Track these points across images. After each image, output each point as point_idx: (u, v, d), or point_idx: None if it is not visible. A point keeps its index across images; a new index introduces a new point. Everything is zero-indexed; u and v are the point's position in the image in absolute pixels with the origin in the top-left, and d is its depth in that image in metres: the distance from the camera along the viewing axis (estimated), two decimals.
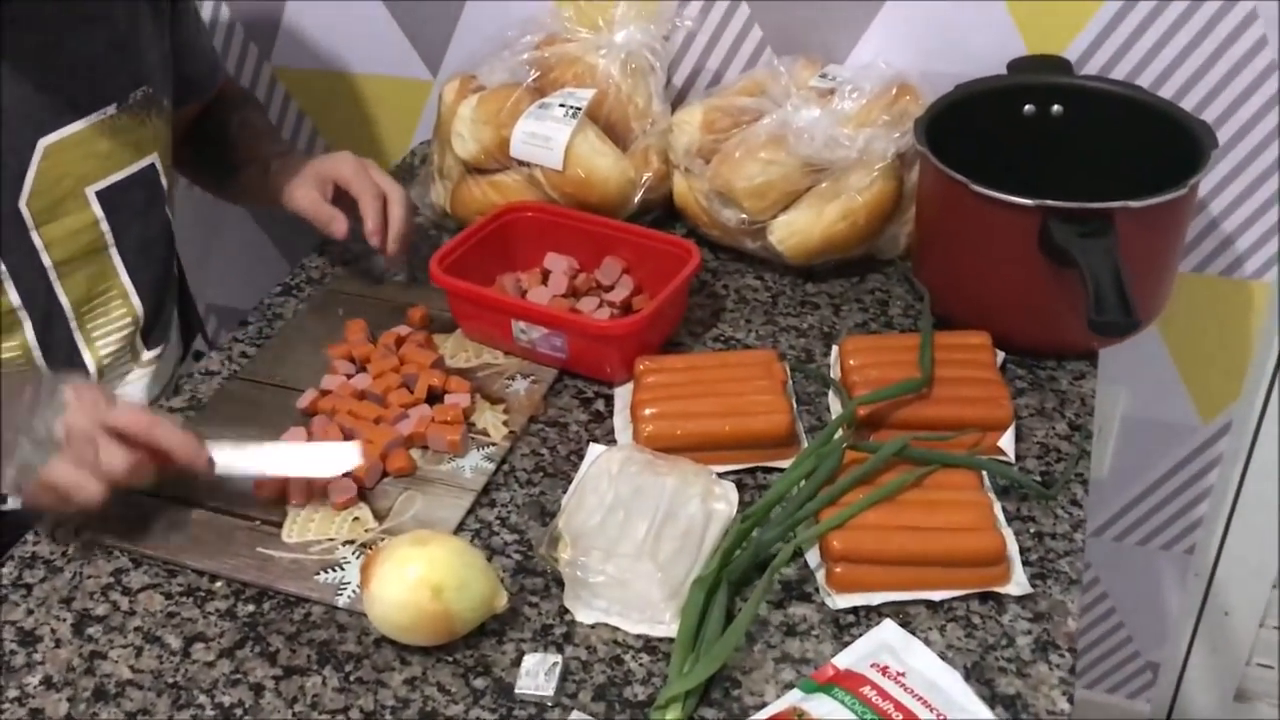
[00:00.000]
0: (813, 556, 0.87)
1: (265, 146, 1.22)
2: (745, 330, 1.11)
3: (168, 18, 1.14)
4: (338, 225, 1.11)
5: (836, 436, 0.92)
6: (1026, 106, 1.12)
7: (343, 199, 1.13)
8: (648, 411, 0.96)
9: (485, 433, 1.00)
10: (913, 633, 0.81)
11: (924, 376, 0.96)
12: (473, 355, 1.09)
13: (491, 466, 0.97)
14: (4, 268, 1.02)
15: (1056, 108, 1.12)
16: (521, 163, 1.20)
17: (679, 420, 0.95)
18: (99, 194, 1.07)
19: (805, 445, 0.96)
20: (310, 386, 1.04)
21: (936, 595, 0.83)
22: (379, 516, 0.92)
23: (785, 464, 0.94)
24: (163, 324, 1.18)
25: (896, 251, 1.18)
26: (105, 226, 1.08)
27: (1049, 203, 0.95)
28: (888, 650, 0.79)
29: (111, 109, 1.06)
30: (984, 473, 0.91)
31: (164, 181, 1.14)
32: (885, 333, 1.10)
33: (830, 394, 1.02)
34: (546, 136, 1.16)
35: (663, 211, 1.25)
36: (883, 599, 0.83)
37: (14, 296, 1.03)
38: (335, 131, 1.57)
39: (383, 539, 0.90)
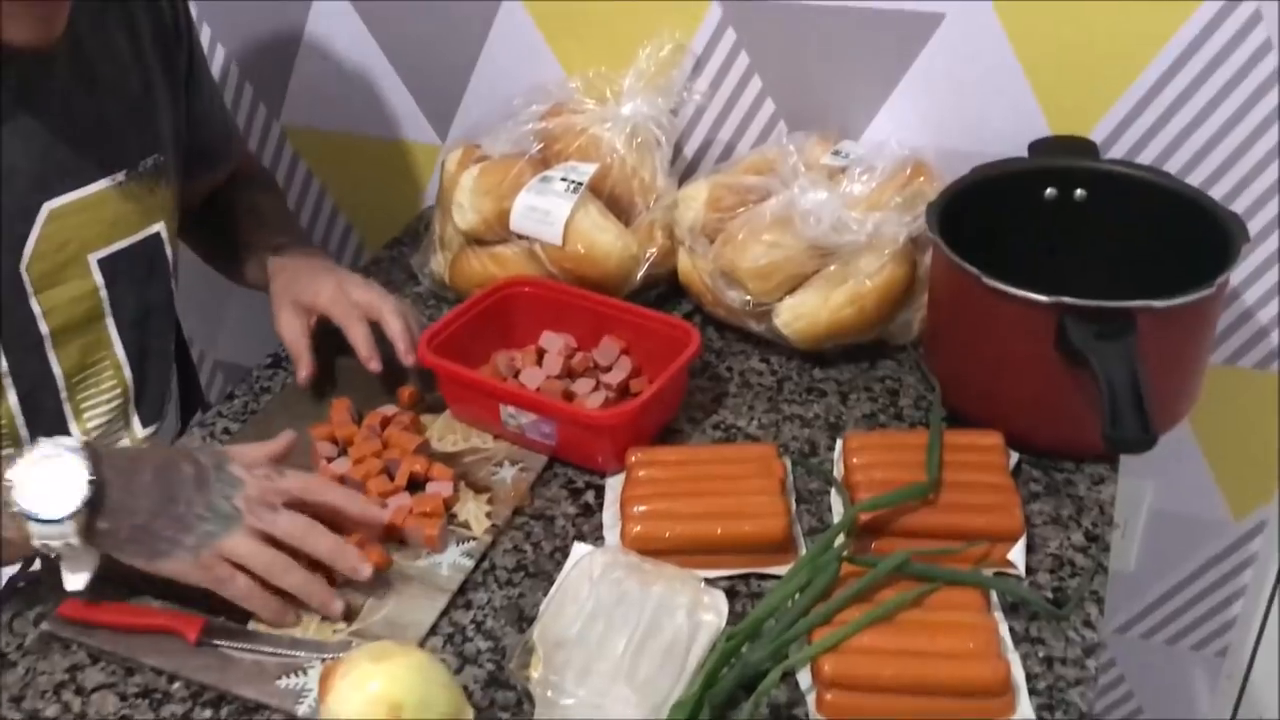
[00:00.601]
0: (804, 678, 0.81)
1: (266, 237, 1.17)
2: (747, 418, 1.06)
3: (183, 87, 1.11)
4: (301, 373, 1.07)
5: (836, 544, 0.87)
6: (1048, 190, 1.07)
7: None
8: (637, 509, 0.91)
9: (466, 525, 0.95)
10: None
11: (930, 481, 0.90)
12: (460, 439, 1.05)
13: (470, 564, 0.92)
14: (4, 330, 0.98)
15: (1080, 192, 1.07)
16: (522, 236, 1.16)
17: (669, 521, 0.90)
18: (101, 261, 1.04)
19: (803, 550, 0.91)
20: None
21: None
22: (348, 616, 0.88)
23: (781, 570, 0.89)
24: (157, 398, 1.14)
25: (909, 337, 1.13)
26: (104, 295, 1.05)
27: (1065, 300, 0.89)
28: None
29: (121, 175, 1.03)
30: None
31: (169, 252, 1.10)
32: (894, 426, 1.05)
33: (833, 494, 0.97)
34: (547, 210, 1.12)
35: (668, 287, 1.21)
36: None
37: (2, 363, 1.00)
38: (343, 193, 1.54)
39: (351, 642, 0.85)
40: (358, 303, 1.07)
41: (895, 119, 1.18)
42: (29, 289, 0.99)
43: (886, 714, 0.77)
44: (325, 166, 1.53)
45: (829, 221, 1.03)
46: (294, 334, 1.08)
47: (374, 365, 1.05)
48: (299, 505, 0.88)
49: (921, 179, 1.08)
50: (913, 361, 1.12)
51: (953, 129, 1.16)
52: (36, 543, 0.80)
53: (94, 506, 0.81)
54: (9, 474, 0.80)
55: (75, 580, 0.83)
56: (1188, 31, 1.05)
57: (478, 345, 1.09)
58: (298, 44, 1.42)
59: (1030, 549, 0.90)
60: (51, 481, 0.80)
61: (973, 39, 1.11)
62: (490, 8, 1.29)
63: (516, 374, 1.07)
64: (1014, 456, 0.97)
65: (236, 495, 0.86)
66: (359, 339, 1.05)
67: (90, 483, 0.80)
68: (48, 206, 0.98)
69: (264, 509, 0.86)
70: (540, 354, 1.09)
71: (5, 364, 1.00)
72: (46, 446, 0.82)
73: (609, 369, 1.07)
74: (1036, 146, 1.11)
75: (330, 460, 1.00)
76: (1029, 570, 0.89)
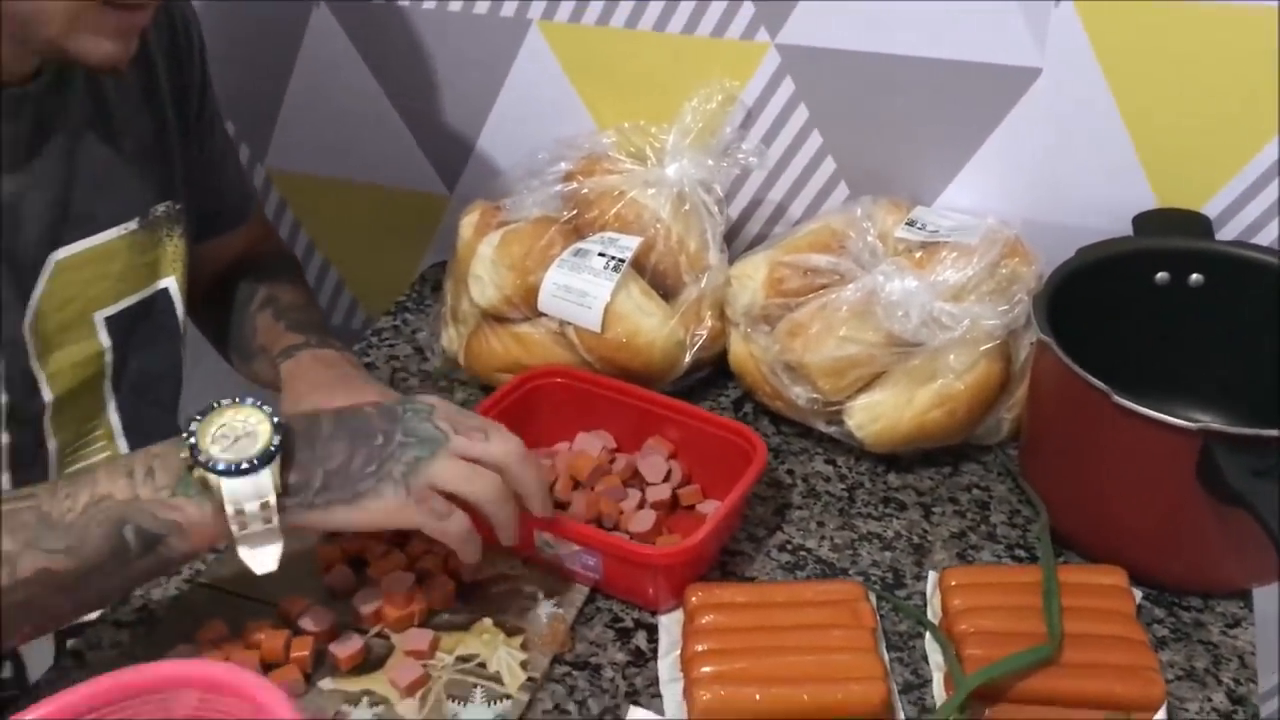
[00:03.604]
0: None
1: (279, 337, 1.03)
2: (817, 538, 0.92)
3: (195, 134, 1.00)
4: None
5: None
6: (1159, 274, 0.94)
7: None
8: (704, 670, 0.76)
9: (498, 678, 0.81)
10: None
11: (1053, 640, 0.76)
12: (486, 564, 0.90)
13: None
14: (4, 402, 0.86)
15: (1196, 277, 0.93)
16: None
17: (745, 685, 0.75)
18: (108, 320, 0.92)
19: (900, 714, 0.77)
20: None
21: None
22: None
23: None
24: None
25: (997, 438, 0.99)
26: (109, 359, 0.93)
27: (1214, 427, 0.76)
28: None
29: (133, 224, 0.92)
30: None
31: (179, 312, 0.98)
32: (987, 547, 0.91)
33: (928, 638, 0.83)
34: (583, 292, 0.98)
35: (714, 369, 1.06)
36: None
37: (3, 437, 0.88)
38: (336, 246, 1.39)
39: None
40: None
41: (974, 185, 1.04)
42: (31, 352, 0.87)
43: None
44: (317, 217, 1.37)
45: (918, 316, 0.89)
46: None
47: None
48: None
49: (1016, 259, 0.95)
50: (1000, 466, 0.98)
51: (1042, 198, 1.02)
52: (230, 509, 0.70)
53: (284, 455, 0.71)
54: (191, 427, 0.71)
55: (264, 561, 0.72)
56: None
57: None
58: (287, 77, 1.26)
59: (1169, 717, 0.77)
60: (236, 434, 0.71)
61: (1072, 98, 0.97)
62: (510, 44, 1.14)
63: (550, 487, 0.92)
64: (1137, 595, 0.84)
65: (435, 417, 0.76)
66: None
67: (276, 427, 0.71)
68: (55, 258, 0.87)
69: (470, 429, 0.76)
70: (580, 467, 0.94)
71: (5, 439, 0.88)
72: (219, 402, 0.73)
73: (657, 482, 0.93)
74: (1143, 221, 0.97)
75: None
76: None
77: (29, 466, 0.91)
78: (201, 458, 0.70)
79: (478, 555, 0.78)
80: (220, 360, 1.11)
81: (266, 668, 0.80)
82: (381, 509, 0.73)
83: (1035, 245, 0.97)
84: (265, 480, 0.70)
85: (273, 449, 0.70)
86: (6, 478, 0.90)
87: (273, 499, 0.70)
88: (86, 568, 0.70)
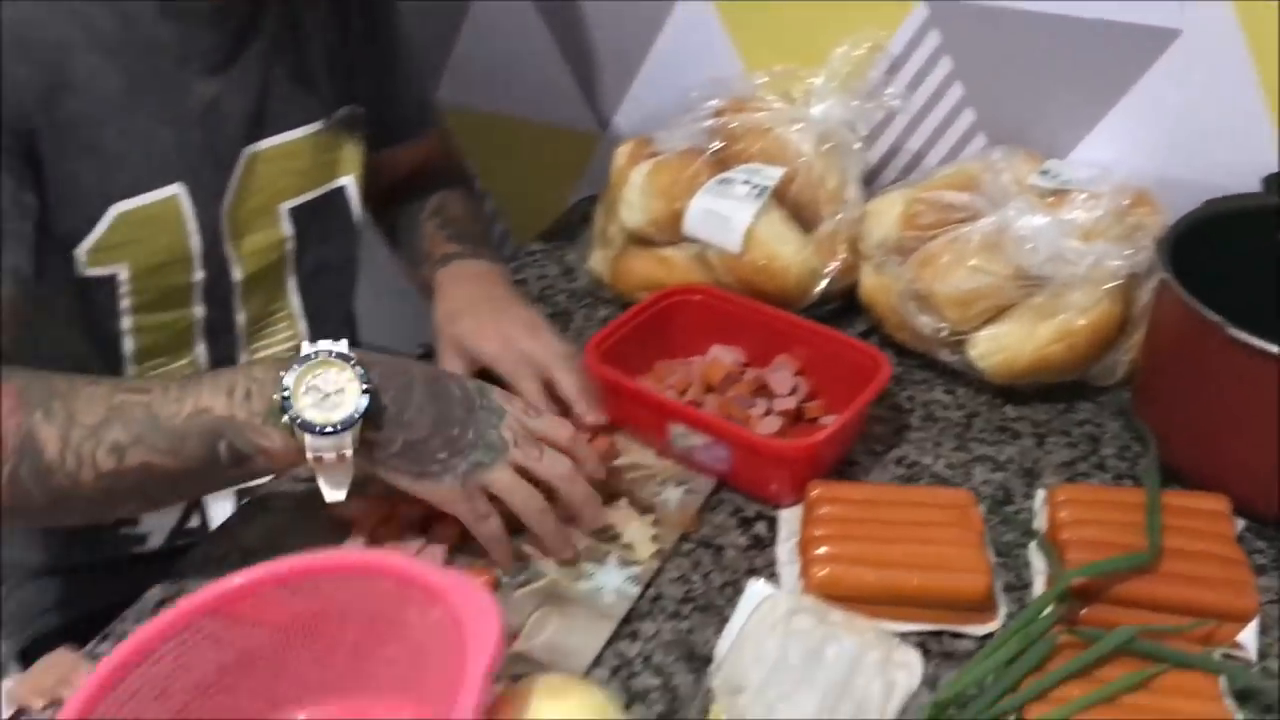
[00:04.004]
0: None
1: (441, 246, 1.11)
2: (933, 455, 0.98)
3: (379, 43, 1.08)
4: None
5: (1045, 614, 0.78)
6: None
7: None
8: (821, 551, 0.83)
9: (631, 547, 0.89)
10: None
11: (1152, 549, 0.81)
12: (622, 455, 0.98)
13: (636, 591, 0.85)
14: (203, 279, 0.97)
15: None
16: (694, 239, 1.09)
17: (858, 566, 0.82)
18: (292, 210, 1.02)
19: (1001, 609, 0.83)
20: None
21: None
22: (510, 636, 0.81)
23: (976, 629, 0.81)
24: None
25: (1112, 380, 1.03)
26: (291, 245, 1.03)
27: None
28: None
29: (318, 124, 1.01)
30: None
31: (354, 208, 1.07)
32: (1096, 476, 0.96)
33: (1032, 547, 0.88)
34: (726, 216, 1.05)
35: (843, 304, 1.13)
36: None
37: (199, 310, 0.99)
38: (494, 177, 1.49)
39: (514, 667, 0.79)
40: (526, 356, 0.98)
41: (1108, 141, 1.09)
42: (226, 236, 0.98)
43: None
44: (478, 149, 1.46)
45: (1046, 250, 0.94)
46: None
47: None
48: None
49: (1144, 209, 0.99)
50: (1115, 407, 1.03)
51: (1174, 157, 1.06)
52: (310, 455, 0.78)
53: (369, 417, 0.78)
54: (285, 380, 0.77)
55: (334, 493, 0.80)
56: None
57: (640, 353, 1.03)
58: (462, 17, 1.36)
59: (1261, 631, 0.81)
60: (327, 391, 0.77)
61: (1211, 59, 1.01)
62: None
63: (684, 390, 1.00)
64: (1239, 524, 0.88)
65: (502, 425, 0.84)
66: (532, 397, 0.96)
67: (365, 392, 0.78)
68: (249, 152, 0.97)
69: (528, 444, 0.84)
70: (713, 374, 1.01)
71: (202, 311, 0.98)
72: (316, 353, 0.78)
73: (784, 394, 1.00)
74: (1273, 182, 1.00)
75: None
76: (1260, 655, 0.80)
77: (221, 336, 1.02)
78: (291, 413, 0.76)
79: (508, 559, 0.85)
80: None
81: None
82: (436, 492, 0.82)
83: (1163, 201, 1.01)
84: (346, 439, 0.77)
85: (356, 416, 0.77)
86: (202, 347, 1.02)
87: (350, 453, 0.78)
88: (183, 469, 0.78)
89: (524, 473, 0.84)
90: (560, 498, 0.86)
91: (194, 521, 1.10)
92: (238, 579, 0.72)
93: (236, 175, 0.97)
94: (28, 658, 1.06)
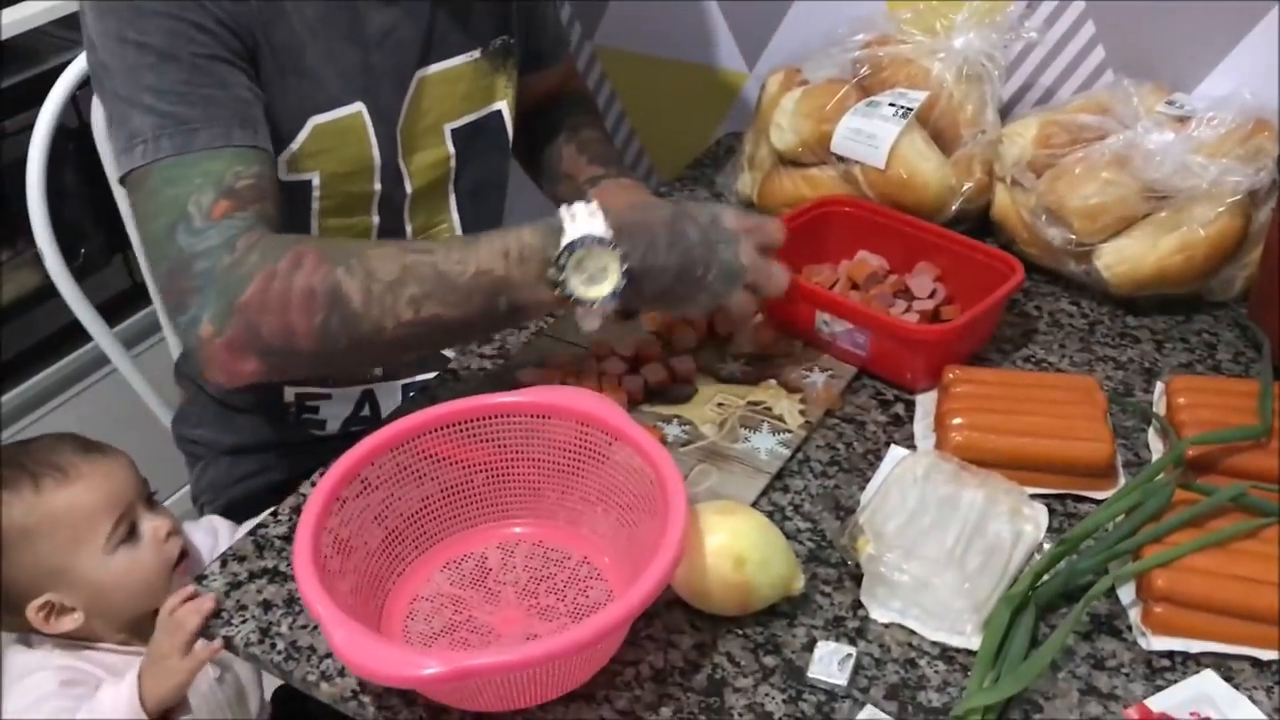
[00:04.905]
0: (1126, 593, 0.82)
1: (585, 168, 1.21)
2: (1059, 355, 1.07)
3: None
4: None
5: (1160, 476, 0.87)
6: None
7: None
8: (956, 421, 0.93)
9: (781, 419, 0.99)
10: (1235, 689, 0.75)
11: (1264, 424, 0.89)
12: (774, 342, 1.08)
13: (787, 452, 0.96)
14: (380, 189, 1.08)
15: None
16: (839, 159, 1.19)
17: (990, 434, 0.91)
18: (454, 131, 1.12)
19: (1122, 480, 0.92)
20: (612, 350, 1.06)
21: (1266, 654, 0.77)
22: None
23: (1099, 494, 0.90)
24: None
25: (1229, 295, 1.11)
26: (453, 164, 1.13)
27: None
28: (1208, 701, 0.74)
29: (477, 52, 1.10)
30: None
31: (508, 130, 1.18)
32: (1215, 376, 1.04)
33: (1150, 432, 0.97)
34: (872, 134, 1.15)
35: (975, 224, 1.21)
36: (1203, 648, 0.78)
37: (375, 218, 1.10)
38: (643, 114, 1.60)
39: None
40: None
41: (1233, 76, 1.16)
42: (400, 151, 1.08)
43: (1214, 635, 0.78)
44: (630, 88, 1.59)
45: (1172, 165, 1.02)
46: None
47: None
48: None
49: (1264, 135, 1.06)
50: (1230, 319, 1.10)
51: None
52: (578, 309, 0.91)
53: (634, 283, 0.91)
54: (562, 260, 0.88)
55: (591, 323, 0.92)
56: None
57: (791, 258, 1.12)
58: None
59: None
60: (591, 271, 0.89)
61: None
62: None
63: (831, 286, 1.10)
64: None
65: (739, 251, 0.95)
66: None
67: (625, 273, 0.89)
68: (420, 75, 1.07)
69: (759, 266, 0.96)
70: (858, 273, 1.11)
71: (377, 220, 1.09)
72: (583, 239, 0.88)
73: (923, 296, 1.09)
74: None
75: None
76: None
77: None
78: (563, 290, 0.89)
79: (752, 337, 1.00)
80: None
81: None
82: (689, 315, 1.00)
83: None
84: (609, 305, 0.90)
85: (615, 293, 0.89)
86: None
87: (610, 307, 0.90)
88: (467, 320, 0.90)
89: (753, 289, 0.97)
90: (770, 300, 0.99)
91: (365, 410, 1.22)
92: (420, 415, 0.85)
93: (409, 96, 1.07)
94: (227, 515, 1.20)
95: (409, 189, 1.11)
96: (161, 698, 0.88)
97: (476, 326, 0.92)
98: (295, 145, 1.01)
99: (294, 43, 0.98)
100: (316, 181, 1.04)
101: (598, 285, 0.89)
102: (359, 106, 1.03)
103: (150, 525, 0.99)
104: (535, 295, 0.90)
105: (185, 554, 1.02)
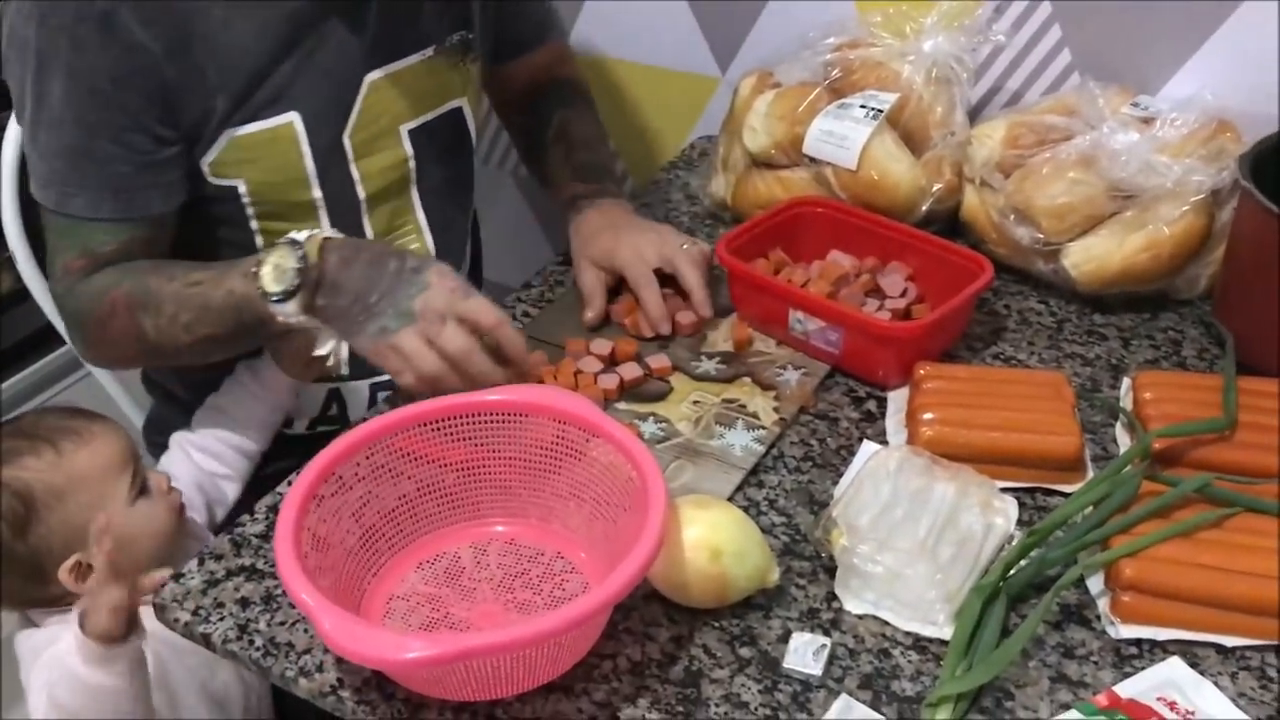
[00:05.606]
0: (1095, 583, 0.84)
1: (569, 181, 1.21)
2: (1027, 352, 1.08)
3: None
4: (589, 314, 1.12)
5: (1127, 469, 0.89)
6: None
7: None
8: (928, 416, 0.94)
9: (756, 416, 1.01)
10: (1201, 675, 0.77)
11: (1228, 418, 0.91)
12: (749, 341, 1.10)
13: (761, 449, 0.97)
14: (323, 196, 1.08)
15: None
16: (811, 160, 1.20)
17: (961, 428, 0.93)
18: (411, 132, 1.12)
19: (1090, 473, 0.93)
20: (588, 348, 1.07)
21: (1230, 640, 0.79)
22: None
23: (1068, 488, 0.92)
24: (453, 267, 1.22)
25: (1194, 292, 1.13)
26: (412, 164, 1.13)
27: None
28: (1175, 687, 0.76)
29: (430, 50, 1.10)
30: None
31: (470, 127, 1.18)
32: (1181, 371, 1.06)
33: (1118, 426, 0.98)
34: (844, 135, 1.16)
35: (945, 225, 1.23)
36: (1170, 635, 0.79)
37: (326, 224, 1.10)
38: (617, 118, 1.61)
39: None
40: (653, 262, 1.10)
41: (1196, 78, 1.18)
42: (350, 156, 1.08)
43: (1181, 623, 0.79)
44: (603, 93, 1.59)
45: (1137, 165, 1.04)
46: (591, 282, 1.13)
47: (664, 328, 1.09)
48: (470, 327, 0.93)
49: (1226, 135, 1.08)
50: (1195, 317, 1.12)
51: (1259, 92, 1.15)
52: (279, 318, 0.95)
53: (313, 286, 0.93)
54: (262, 256, 0.95)
55: (323, 348, 0.98)
56: None
57: (765, 257, 1.14)
58: None
59: None
60: (286, 268, 0.93)
61: None
62: None
63: (804, 286, 1.11)
64: None
65: (419, 298, 0.92)
66: (650, 306, 1.09)
67: (298, 270, 0.93)
68: (369, 79, 1.07)
69: (436, 317, 0.92)
70: (830, 273, 1.12)
71: (329, 225, 1.09)
72: (281, 240, 0.95)
73: (895, 295, 1.10)
74: None
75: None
76: None
77: None
78: (258, 281, 0.94)
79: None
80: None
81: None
82: (356, 346, 0.96)
83: (1247, 130, 1.10)
84: (293, 307, 0.93)
85: (291, 290, 0.93)
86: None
87: (304, 318, 0.94)
88: (230, 334, 1.00)
89: (432, 343, 0.92)
90: (459, 370, 0.92)
91: (334, 410, 1.23)
92: (395, 414, 0.86)
93: (359, 100, 1.06)
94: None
95: (362, 194, 1.11)
96: (104, 627, 0.89)
97: (242, 339, 1.03)
98: (211, 155, 1.03)
99: (213, 60, 0.98)
100: (244, 189, 1.06)
101: (281, 282, 0.93)
102: (291, 116, 1.03)
103: (154, 479, 1.06)
104: (264, 309, 0.95)
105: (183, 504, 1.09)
